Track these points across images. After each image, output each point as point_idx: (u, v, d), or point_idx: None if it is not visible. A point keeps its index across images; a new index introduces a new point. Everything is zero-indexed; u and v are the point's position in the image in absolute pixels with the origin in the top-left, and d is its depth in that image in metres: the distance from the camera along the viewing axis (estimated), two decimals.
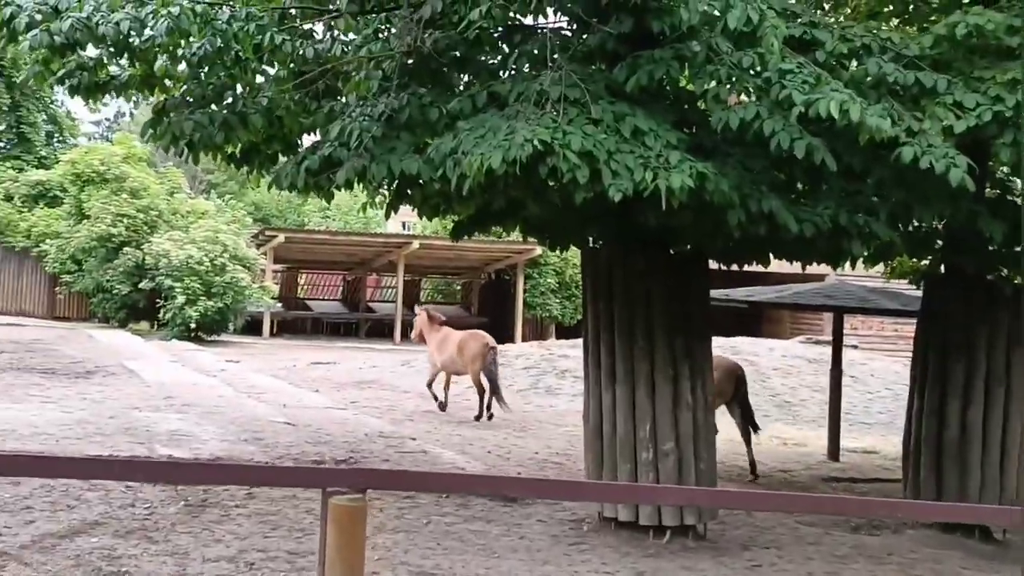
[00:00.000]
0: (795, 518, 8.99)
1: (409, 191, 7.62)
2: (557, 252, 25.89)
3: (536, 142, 6.00)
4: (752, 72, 6.86)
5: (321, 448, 10.33)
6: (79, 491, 7.58)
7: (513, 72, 7.49)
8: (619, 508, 8.29)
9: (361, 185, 7.29)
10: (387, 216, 8.06)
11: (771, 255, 8.45)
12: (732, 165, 7.10)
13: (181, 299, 23.37)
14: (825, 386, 15.54)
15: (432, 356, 15.02)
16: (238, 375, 17.29)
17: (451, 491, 3.53)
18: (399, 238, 30.16)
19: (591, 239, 8.72)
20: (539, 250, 28.78)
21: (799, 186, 7.84)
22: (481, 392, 14.51)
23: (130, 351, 19.46)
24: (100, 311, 26.20)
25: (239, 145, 8.71)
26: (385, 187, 7.59)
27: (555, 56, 6.98)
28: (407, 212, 10.53)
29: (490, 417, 14.35)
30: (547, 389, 18.39)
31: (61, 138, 35.01)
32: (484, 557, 7.42)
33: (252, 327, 28.61)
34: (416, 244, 28.02)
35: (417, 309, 17.01)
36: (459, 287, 34.58)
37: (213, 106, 7.68)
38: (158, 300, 24.61)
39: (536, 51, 7.31)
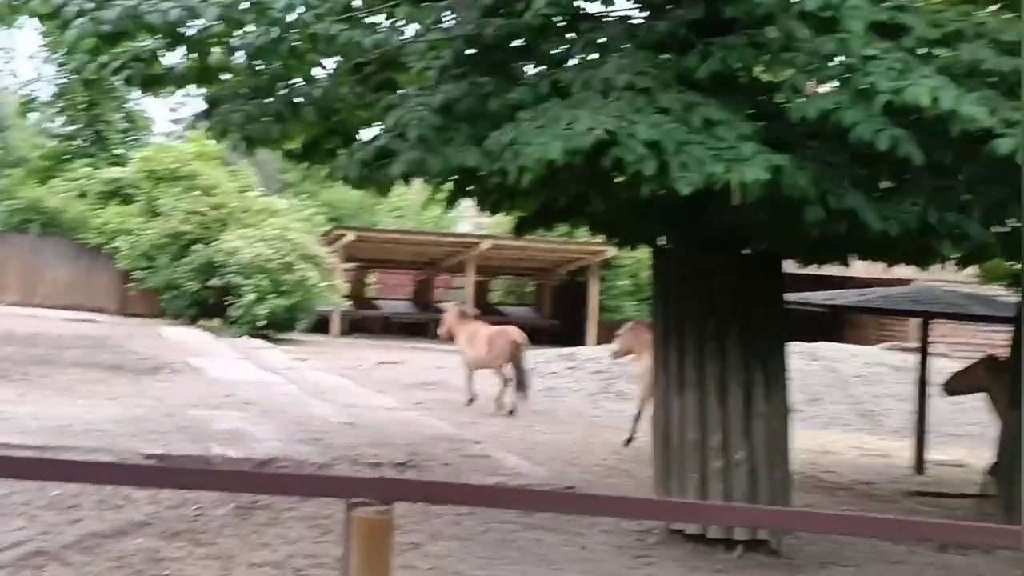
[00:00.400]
0: None
1: (469, 185, 7.39)
2: (632, 253, 25.64)
3: (600, 131, 5.71)
4: (833, 59, 6.49)
5: (380, 450, 10.16)
6: (128, 490, 7.49)
7: (578, 62, 7.20)
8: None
9: (418, 179, 7.08)
10: (448, 209, 7.84)
11: (853, 255, 8.06)
12: (810, 159, 6.73)
13: (250, 296, 23.51)
14: (911, 395, 14.97)
15: (463, 352, 15.42)
16: (303, 373, 17.28)
17: (486, 505, 3.26)
18: (469, 238, 30.00)
19: (660, 238, 8.40)
20: (613, 251, 28.41)
21: (883, 182, 7.43)
22: (505, 383, 14.91)
23: (197, 348, 19.59)
24: (170, 308, 26.48)
25: (299, 140, 8.59)
26: (444, 181, 7.37)
27: (623, 45, 6.69)
28: (480, 213, 10.50)
29: (511, 412, 14.67)
30: (618, 394, 18.06)
31: (136, 137, 35.56)
32: (543, 568, 7.16)
33: (321, 326, 28.74)
34: (486, 244, 27.83)
35: (447, 305, 17.30)
36: (531, 289, 34.33)
37: (266, 98, 7.54)
38: (227, 297, 24.79)
39: (603, 40, 7.03)
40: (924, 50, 6.62)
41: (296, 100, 7.40)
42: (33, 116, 40.26)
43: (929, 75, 6.02)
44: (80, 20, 6.50)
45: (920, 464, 12.91)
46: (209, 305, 26.16)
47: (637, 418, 12.56)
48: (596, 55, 6.97)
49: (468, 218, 39.35)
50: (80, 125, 34.54)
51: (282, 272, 23.80)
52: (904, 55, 6.24)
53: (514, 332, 15.08)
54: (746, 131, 6.31)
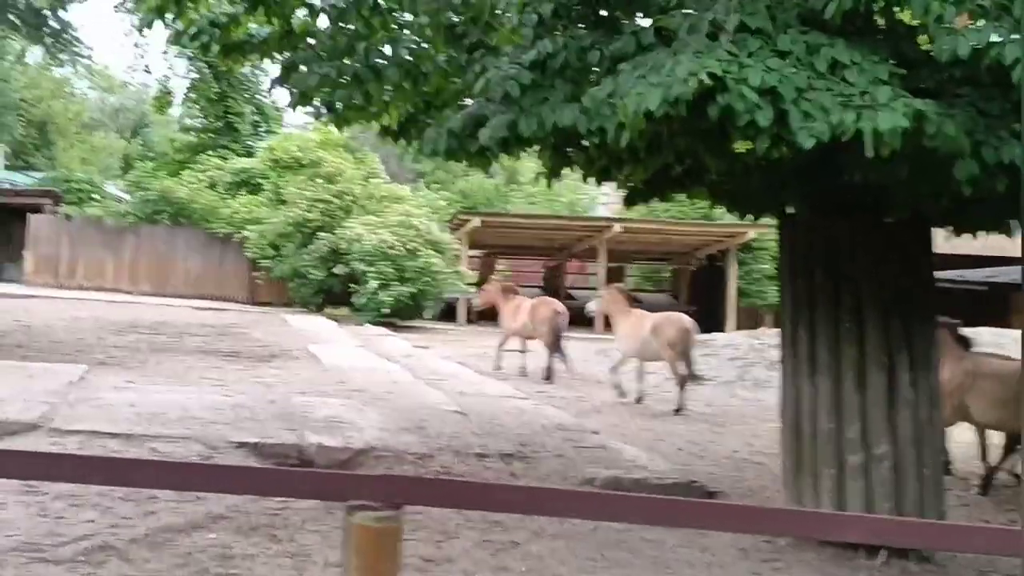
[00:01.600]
0: None
1: (569, 150, 6.80)
2: (774, 236, 24.46)
3: (703, 75, 5.05)
4: None
5: (488, 440, 9.70)
6: None
7: (690, 7, 6.53)
8: None
9: (515, 149, 6.53)
10: (548, 184, 7.29)
11: (1015, 223, 7.14)
12: (961, 107, 5.90)
13: (374, 284, 23.49)
14: None
15: (506, 323, 17.27)
16: (423, 361, 17.02)
17: (515, 511, 2.71)
18: (600, 221, 29.34)
19: (788, 205, 7.65)
20: (753, 233, 27.38)
21: None
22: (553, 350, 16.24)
23: (318, 336, 19.59)
24: (297, 296, 26.75)
25: (395, 115, 8.16)
26: (542, 147, 6.80)
27: None
28: (615, 198, 9.97)
29: (548, 378, 15.85)
30: (755, 382, 17.25)
31: (268, 128, 36.18)
32: (655, 573, 6.56)
33: (449, 313, 28.60)
34: (618, 227, 27.15)
35: (490, 283, 18.94)
36: (668, 274, 33.47)
37: (346, 60, 7.11)
38: (352, 285, 24.86)
39: None
40: None
41: (377, 61, 6.94)
42: (171, 112, 41.57)
43: None
44: None
45: None
46: (335, 293, 26.32)
47: (614, 370, 14.58)
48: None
49: (606, 204, 38.68)
50: (212, 118, 35.37)
51: (406, 259, 23.71)
52: None
53: (555, 303, 16.57)
54: (882, 74, 5.54)
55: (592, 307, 16.55)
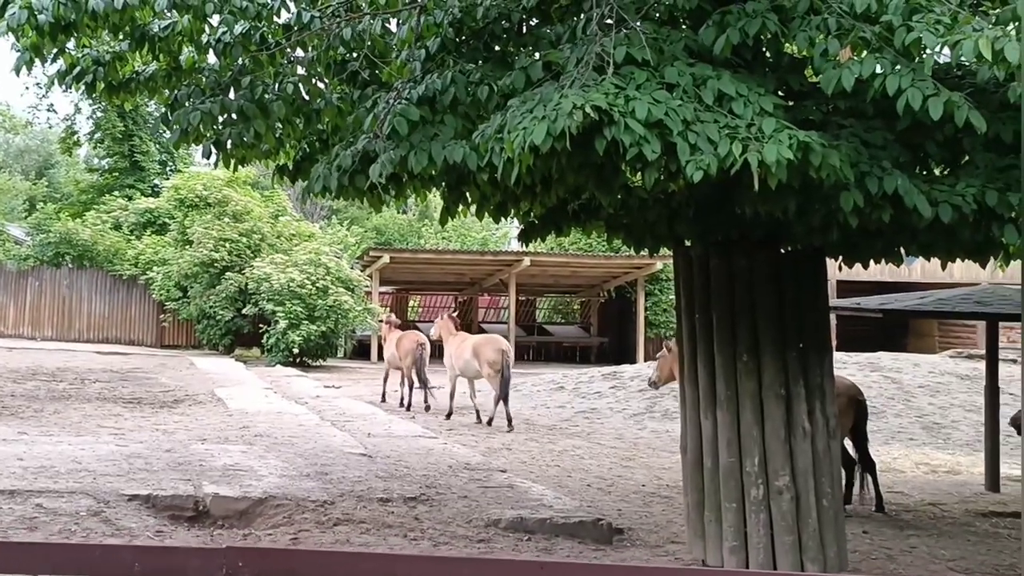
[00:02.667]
0: None
1: (462, 187, 6.61)
2: None
3: (588, 109, 4.92)
4: (869, 19, 5.64)
5: (393, 483, 9.40)
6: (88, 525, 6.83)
7: (579, 42, 6.42)
8: (726, 556, 7.11)
9: (407, 185, 6.32)
10: (442, 222, 7.08)
11: (902, 250, 7.14)
12: (846, 138, 5.88)
13: (283, 324, 22.99)
14: (980, 406, 13.90)
15: (387, 355, 17.31)
16: (331, 402, 16.62)
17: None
18: (509, 255, 29.26)
19: (684, 239, 7.56)
20: (660, 264, 27.53)
21: (933, 165, 6.53)
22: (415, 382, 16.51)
23: (226, 378, 19.05)
24: (205, 338, 26.11)
25: (290, 154, 7.90)
26: (434, 184, 6.60)
27: (626, 19, 5.90)
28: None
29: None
30: (664, 413, 17.17)
31: (175, 167, 35.44)
32: None
33: (362, 351, 28.17)
34: (527, 261, 27.09)
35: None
36: (577, 306, 33.52)
37: (231, 95, 6.84)
38: (262, 325, 24.34)
39: (606, 14, 6.24)
40: (972, 4, 5.77)
41: (262, 97, 6.68)
42: (78, 152, 40.52)
43: (982, 28, 5.15)
44: (11, 10, 5.83)
45: (994, 480, 11.85)
46: (244, 334, 25.77)
47: (451, 395, 15.54)
48: (597, 33, 6.18)
49: (515, 236, 38.70)
50: (118, 158, 34.56)
51: (315, 298, 23.28)
52: (951, 7, 5.38)
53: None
54: (767, 105, 5.48)
55: (432, 333, 17.18)
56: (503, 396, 14.72)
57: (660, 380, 12.35)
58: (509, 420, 14.71)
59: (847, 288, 24.77)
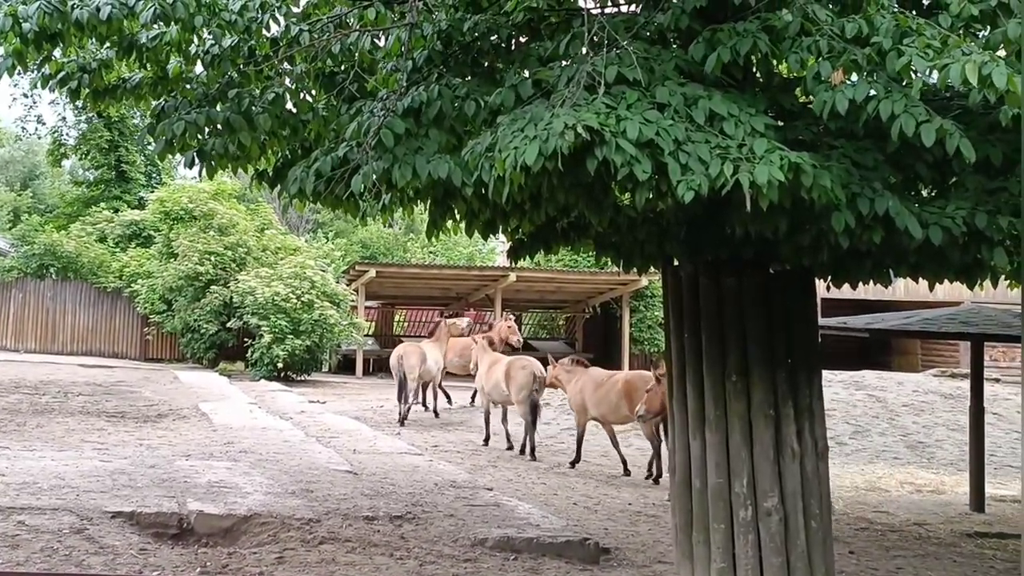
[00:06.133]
0: None
1: (449, 202, 6.55)
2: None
3: (580, 129, 4.88)
4: (860, 41, 5.63)
5: (379, 501, 9.32)
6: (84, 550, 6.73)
7: (568, 62, 6.39)
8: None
9: (388, 196, 6.28)
10: (429, 237, 7.03)
11: (892, 271, 7.12)
12: (837, 159, 5.86)
13: (268, 338, 22.84)
14: (963, 425, 13.93)
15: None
16: (316, 417, 16.51)
17: None
18: (495, 271, 29.21)
19: (674, 258, 7.52)
20: (645, 280, 27.52)
21: (922, 186, 6.52)
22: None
23: (211, 393, 18.92)
24: (190, 352, 25.96)
25: (271, 160, 7.84)
26: (418, 198, 6.55)
27: (616, 37, 5.87)
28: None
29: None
30: None
31: (160, 179, 35.29)
32: None
33: (347, 366, 28.03)
34: (513, 276, 27.05)
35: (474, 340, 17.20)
36: (562, 322, 33.47)
37: (218, 107, 6.77)
38: (247, 339, 24.20)
39: (595, 33, 6.21)
40: (962, 29, 5.76)
41: (249, 108, 6.61)
42: (66, 164, 40.30)
43: (971, 52, 5.13)
44: None
45: (979, 500, 11.84)
46: (228, 347, 25.66)
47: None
48: (586, 51, 6.16)
49: (503, 251, 38.67)
50: (104, 169, 34.39)
51: (300, 312, 23.14)
52: (941, 30, 5.38)
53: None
54: (759, 126, 5.45)
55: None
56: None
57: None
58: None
59: (831, 306, 24.81)
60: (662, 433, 11.73)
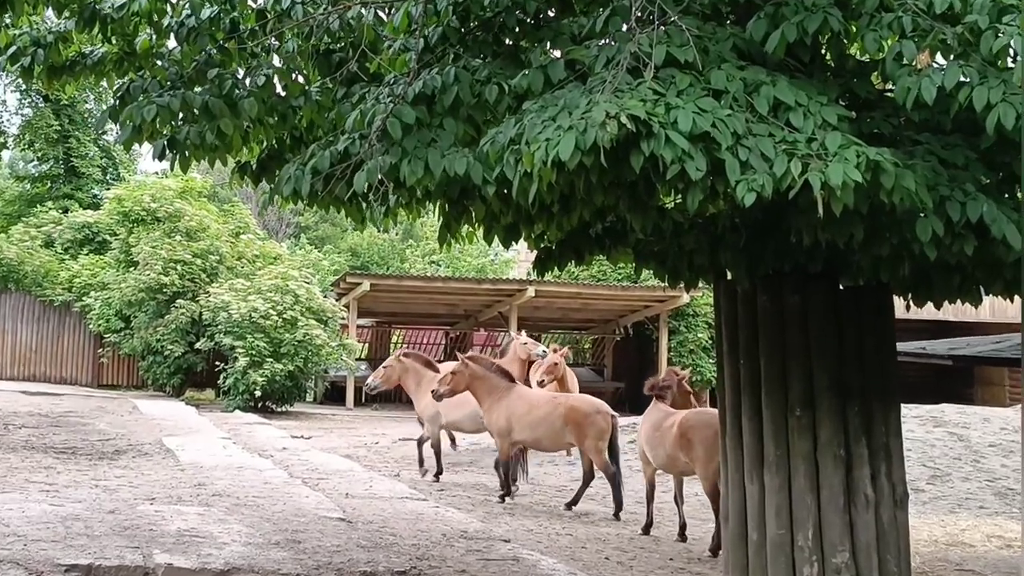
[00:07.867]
0: None
1: (466, 202, 6.61)
2: (709, 300, 24.62)
3: (624, 119, 4.93)
4: (950, 19, 5.67)
5: (378, 554, 9.34)
6: None
7: (607, 40, 6.44)
8: None
9: (396, 196, 6.33)
10: (440, 243, 7.09)
11: (981, 288, 7.14)
12: (921, 157, 5.89)
13: (243, 361, 22.94)
14: None
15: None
16: (301, 455, 16.57)
17: None
18: (510, 284, 29.26)
19: (727, 271, 7.57)
20: (687, 297, 27.57)
21: (1017, 188, 6.55)
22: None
23: (176, 426, 19.00)
24: (151, 377, 26.08)
25: (255, 150, 7.90)
26: (430, 198, 6.61)
27: (666, 11, 5.92)
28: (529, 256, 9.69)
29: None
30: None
31: (118, 174, 35.50)
32: None
33: (336, 395, 28.13)
34: (531, 291, 27.13)
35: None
36: (588, 345, 33.49)
37: (195, 88, 6.85)
38: (218, 363, 24.30)
39: (640, 7, 6.26)
40: None
41: (231, 92, 6.68)
42: (5, 155, 40.59)
43: None
44: None
45: None
46: (197, 372, 25.79)
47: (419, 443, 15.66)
48: (626, 28, 6.21)
49: (517, 263, 38.74)
50: (52, 163, 34.60)
51: (282, 331, 23.24)
52: None
53: None
54: (831, 117, 5.50)
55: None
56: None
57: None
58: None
59: (901, 328, 24.72)
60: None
